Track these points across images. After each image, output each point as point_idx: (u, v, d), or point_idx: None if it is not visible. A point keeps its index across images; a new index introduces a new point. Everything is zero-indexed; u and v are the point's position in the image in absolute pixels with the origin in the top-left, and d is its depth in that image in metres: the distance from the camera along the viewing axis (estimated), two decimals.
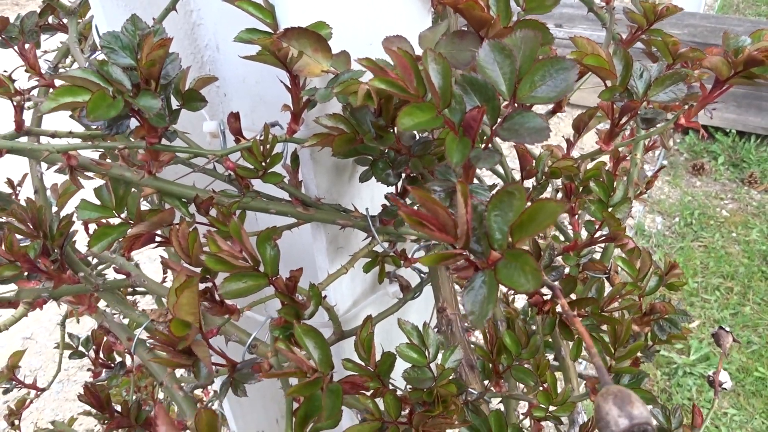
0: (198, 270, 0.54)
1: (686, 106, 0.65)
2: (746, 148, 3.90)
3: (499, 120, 0.41)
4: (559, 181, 0.81)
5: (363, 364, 0.57)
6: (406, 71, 0.40)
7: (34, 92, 0.84)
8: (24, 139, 0.65)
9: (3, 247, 0.71)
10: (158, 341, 0.44)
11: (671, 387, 2.59)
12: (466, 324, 0.73)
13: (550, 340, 0.90)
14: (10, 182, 1.14)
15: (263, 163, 0.59)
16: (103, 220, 0.67)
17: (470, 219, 0.33)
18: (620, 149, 0.98)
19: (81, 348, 1.17)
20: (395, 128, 0.57)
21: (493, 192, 0.33)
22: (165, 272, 1.57)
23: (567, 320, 0.63)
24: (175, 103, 0.60)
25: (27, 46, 0.87)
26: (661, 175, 3.86)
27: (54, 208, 0.91)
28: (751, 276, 3.09)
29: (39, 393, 1.17)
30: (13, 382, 1.11)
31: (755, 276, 3.08)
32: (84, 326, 2.84)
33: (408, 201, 0.67)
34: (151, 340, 0.45)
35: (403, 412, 0.59)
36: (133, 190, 0.61)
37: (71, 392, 2.93)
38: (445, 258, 0.33)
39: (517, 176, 0.79)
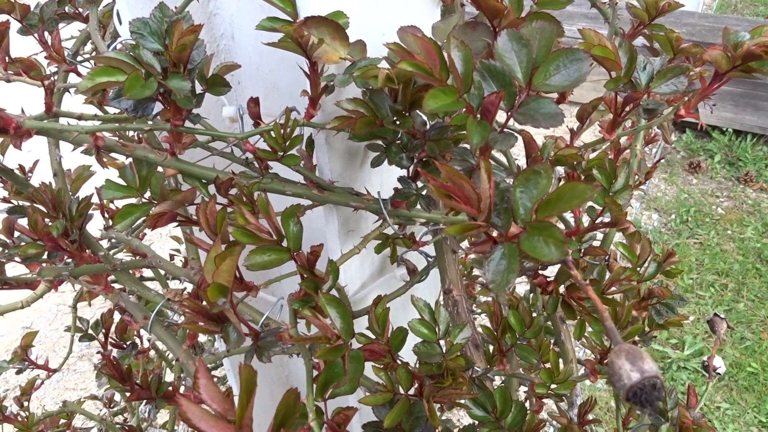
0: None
1: (686, 98, 0.67)
2: (742, 147, 3.94)
3: (515, 105, 0.44)
4: (561, 170, 0.84)
5: (376, 339, 0.60)
6: (431, 56, 0.43)
7: (54, 78, 0.87)
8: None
9: (27, 227, 0.73)
10: (188, 308, 0.47)
11: (665, 381, 2.63)
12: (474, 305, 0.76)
13: (551, 325, 0.93)
14: (21, 168, 1.16)
15: (283, 146, 0.62)
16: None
17: (492, 194, 0.36)
18: (621, 142, 1.01)
19: (90, 331, 1.20)
20: (410, 112, 0.59)
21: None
22: (171, 258, 1.59)
23: (570, 298, 0.66)
24: (198, 88, 0.63)
25: (47, 33, 0.89)
26: (658, 173, 3.90)
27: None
28: (745, 273, 3.13)
29: (50, 374, 1.20)
30: (26, 363, 1.13)
31: (749, 273, 3.12)
32: (85, 315, 2.86)
33: (419, 184, 0.70)
34: (180, 308, 0.48)
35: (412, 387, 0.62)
36: (159, 169, 0.64)
37: (71, 381, 2.95)
38: (468, 229, 0.36)
39: (521, 164, 0.81)
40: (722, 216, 3.54)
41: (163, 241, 3.43)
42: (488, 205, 0.35)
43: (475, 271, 1.41)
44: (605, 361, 0.77)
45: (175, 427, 1.25)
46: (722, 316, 0.91)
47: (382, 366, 0.60)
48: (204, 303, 0.49)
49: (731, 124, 3.98)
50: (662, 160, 3.98)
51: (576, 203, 0.34)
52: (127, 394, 0.74)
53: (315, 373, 0.54)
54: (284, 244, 0.54)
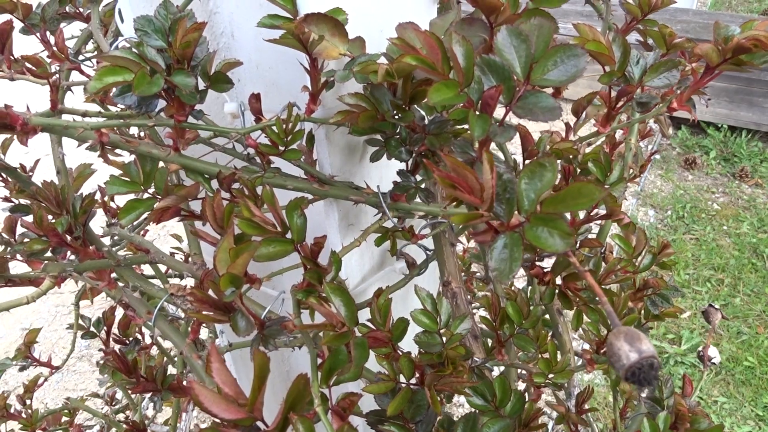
0: None
1: (678, 91, 0.69)
2: (737, 143, 3.96)
3: (514, 99, 0.46)
4: (558, 164, 0.85)
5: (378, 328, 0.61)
6: (434, 51, 0.44)
7: (58, 75, 0.88)
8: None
9: (33, 223, 0.74)
10: (196, 299, 0.48)
11: (662, 375, 2.64)
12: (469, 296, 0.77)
13: (548, 317, 0.95)
14: (22, 167, 1.17)
15: (285, 140, 0.63)
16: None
17: (495, 184, 0.37)
18: (616, 137, 1.02)
19: (92, 329, 1.21)
20: (410, 107, 0.61)
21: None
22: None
23: (567, 288, 0.67)
24: (201, 84, 0.64)
25: (49, 33, 0.90)
26: (654, 169, 3.92)
27: None
28: (741, 268, 3.15)
29: (53, 371, 1.20)
30: (29, 360, 1.14)
31: (745, 268, 3.14)
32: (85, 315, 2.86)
33: (418, 177, 0.71)
34: (188, 298, 0.49)
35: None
36: (161, 165, 0.65)
37: (71, 382, 2.95)
38: (471, 218, 0.37)
39: (518, 159, 0.83)
40: (718, 212, 3.56)
41: (162, 240, 3.44)
42: (491, 194, 0.36)
43: (474, 267, 1.42)
44: (602, 350, 0.78)
45: (178, 424, 1.26)
46: (716, 306, 0.93)
47: (384, 355, 0.61)
48: (210, 293, 0.50)
49: (726, 120, 4.00)
50: (658, 156, 4.00)
51: (584, 204, 0.35)
52: (130, 390, 0.75)
53: (318, 362, 0.55)
54: (288, 236, 0.55)
